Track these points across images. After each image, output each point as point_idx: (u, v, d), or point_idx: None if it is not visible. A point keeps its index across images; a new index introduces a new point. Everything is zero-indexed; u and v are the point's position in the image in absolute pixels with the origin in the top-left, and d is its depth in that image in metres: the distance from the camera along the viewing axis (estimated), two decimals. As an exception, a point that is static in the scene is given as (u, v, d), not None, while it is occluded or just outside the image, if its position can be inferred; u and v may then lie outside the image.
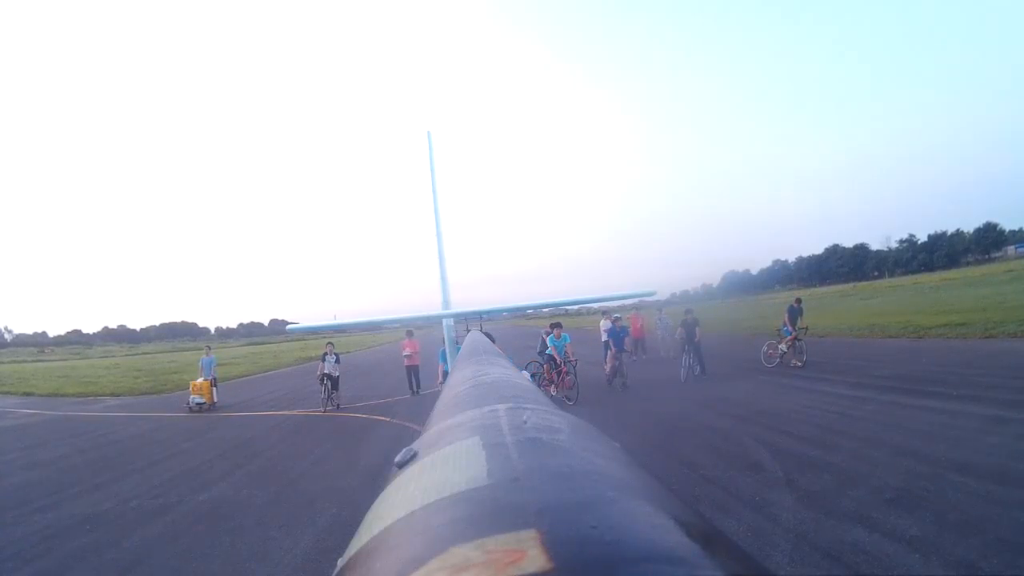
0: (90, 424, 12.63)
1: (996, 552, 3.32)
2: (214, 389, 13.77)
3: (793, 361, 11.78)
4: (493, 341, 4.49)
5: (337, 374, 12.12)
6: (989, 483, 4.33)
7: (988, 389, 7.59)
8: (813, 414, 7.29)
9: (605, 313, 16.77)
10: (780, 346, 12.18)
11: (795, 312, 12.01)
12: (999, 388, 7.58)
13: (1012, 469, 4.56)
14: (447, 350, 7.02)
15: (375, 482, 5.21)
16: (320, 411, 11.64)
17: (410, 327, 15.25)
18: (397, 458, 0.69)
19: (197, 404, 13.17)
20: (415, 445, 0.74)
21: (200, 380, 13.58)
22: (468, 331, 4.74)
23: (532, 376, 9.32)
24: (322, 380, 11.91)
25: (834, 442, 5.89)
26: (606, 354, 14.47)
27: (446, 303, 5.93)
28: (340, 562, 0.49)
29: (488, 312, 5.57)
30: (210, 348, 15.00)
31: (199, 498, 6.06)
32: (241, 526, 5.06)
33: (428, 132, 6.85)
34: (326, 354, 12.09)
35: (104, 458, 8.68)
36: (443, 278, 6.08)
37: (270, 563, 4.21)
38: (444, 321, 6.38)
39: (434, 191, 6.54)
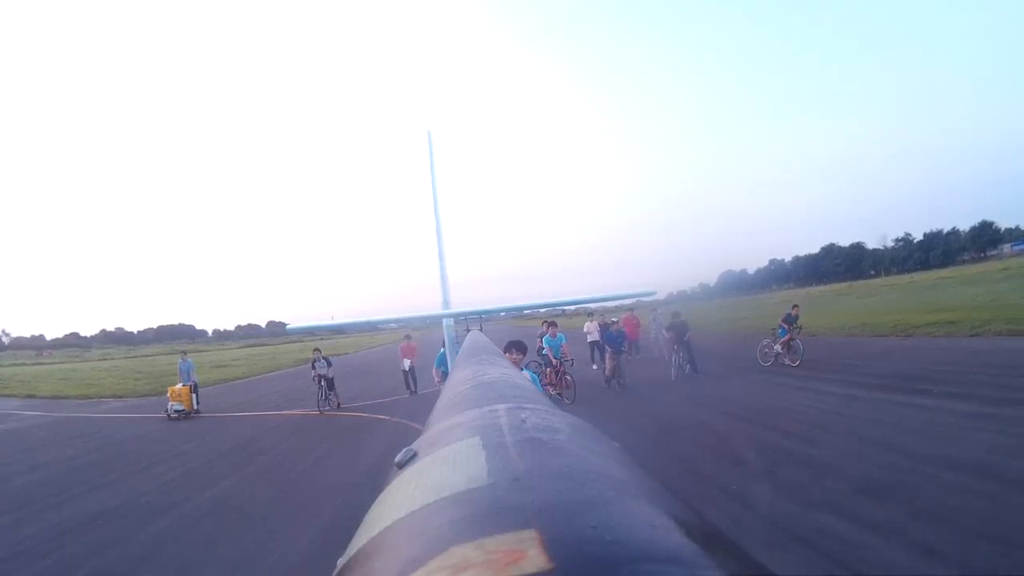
0: (95, 425, 12.73)
1: (957, 537, 3.49)
2: (194, 395, 13.17)
3: (786, 360, 11.93)
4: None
5: (331, 375, 12.11)
6: (959, 474, 4.51)
7: (967, 386, 7.73)
8: (800, 411, 7.44)
9: (591, 314, 16.90)
10: (776, 346, 12.28)
11: (791, 319, 12.17)
12: (979, 385, 7.72)
13: (982, 461, 4.75)
14: (447, 350, 7.01)
15: (378, 476, 5.28)
16: (317, 412, 11.62)
17: (409, 328, 15.22)
18: (397, 458, 0.68)
19: (176, 411, 12.46)
20: (415, 445, 0.74)
21: (179, 386, 12.96)
22: (468, 331, 4.72)
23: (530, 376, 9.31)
24: (318, 382, 11.91)
25: (818, 437, 6.10)
26: (593, 354, 14.69)
27: (446, 303, 5.90)
28: (340, 562, 0.49)
29: (488, 312, 5.55)
30: (185, 353, 14.32)
31: (206, 495, 6.23)
32: (245, 519, 5.19)
33: (428, 132, 6.83)
34: (315, 360, 12.03)
35: (110, 458, 8.79)
36: (443, 277, 6.05)
37: (271, 560, 4.25)
38: (444, 321, 6.36)
39: (434, 191, 6.52)
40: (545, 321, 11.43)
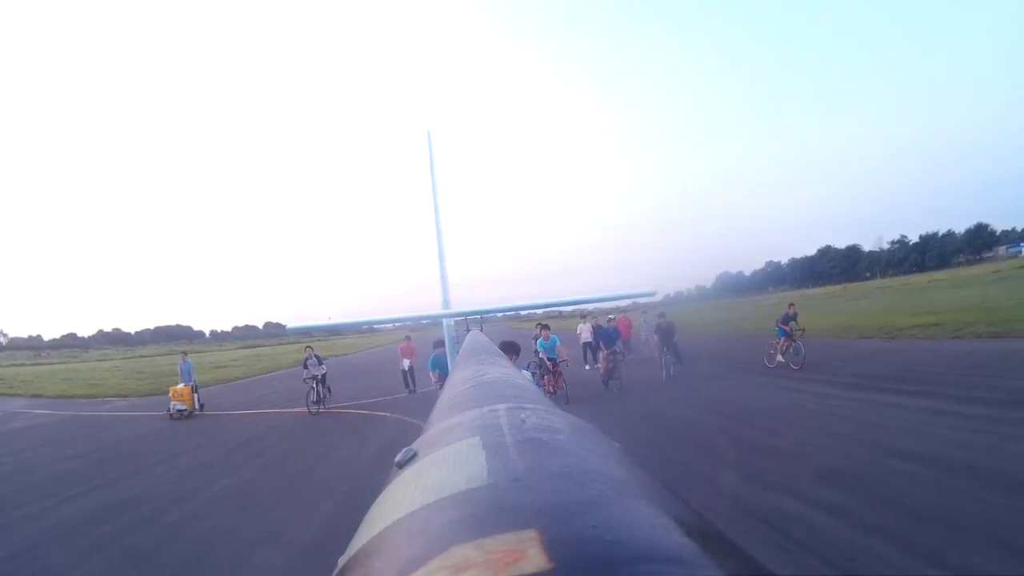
0: (102, 423, 13.08)
1: (900, 517, 3.77)
2: (195, 395, 13.38)
3: (780, 359, 12.02)
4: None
5: (323, 372, 12.12)
6: (914, 465, 4.83)
7: (937, 386, 8.02)
8: (794, 410, 7.68)
9: (584, 316, 17.08)
10: (777, 356, 12.22)
11: (788, 319, 12.21)
12: (948, 385, 8.00)
13: (938, 453, 5.07)
14: (447, 350, 7.00)
15: (378, 470, 5.41)
16: (312, 411, 11.50)
17: (409, 328, 15.22)
18: (397, 458, 0.68)
19: (178, 411, 12.69)
20: (415, 445, 0.74)
21: (180, 386, 13.20)
22: (468, 331, 4.73)
23: (531, 375, 9.32)
24: (312, 383, 11.85)
25: (797, 434, 6.42)
26: (585, 355, 14.86)
27: (446, 303, 5.89)
28: (340, 561, 0.49)
29: (488, 312, 5.55)
30: (186, 355, 14.54)
31: (221, 484, 6.57)
32: (251, 507, 5.57)
33: (428, 132, 6.82)
34: (307, 359, 12.04)
35: (121, 454, 9.02)
36: (443, 278, 6.04)
37: (279, 546, 4.42)
38: (444, 321, 6.36)
39: (434, 191, 6.51)
40: (538, 324, 11.45)
